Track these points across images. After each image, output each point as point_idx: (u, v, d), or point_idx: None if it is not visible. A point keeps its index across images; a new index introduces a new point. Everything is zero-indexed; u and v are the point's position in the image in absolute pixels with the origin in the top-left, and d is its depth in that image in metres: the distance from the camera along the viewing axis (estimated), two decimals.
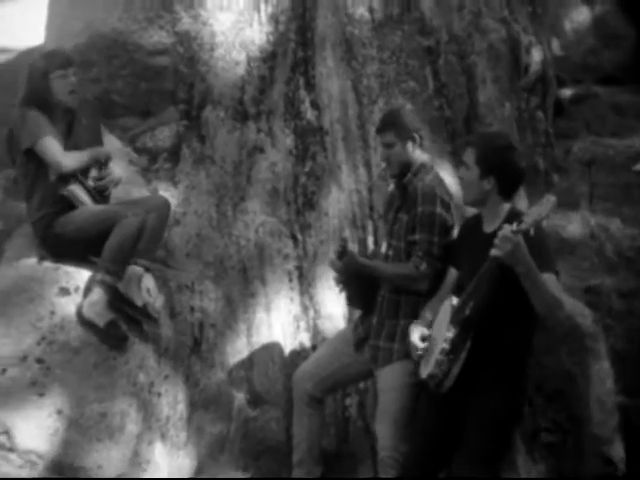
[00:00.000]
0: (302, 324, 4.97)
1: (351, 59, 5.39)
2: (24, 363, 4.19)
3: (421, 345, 3.76)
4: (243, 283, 4.99)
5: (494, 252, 3.41)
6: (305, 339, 4.95)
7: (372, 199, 5.11)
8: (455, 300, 3.67)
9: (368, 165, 5.18)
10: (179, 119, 5.37)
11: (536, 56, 5.81)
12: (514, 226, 3.37)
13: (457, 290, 3.83)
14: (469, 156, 3.74)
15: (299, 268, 5.07)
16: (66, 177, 4.48)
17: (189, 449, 4.51)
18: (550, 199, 3.38)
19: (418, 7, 5.59)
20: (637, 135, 6.71)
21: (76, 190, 4.50)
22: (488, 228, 3.76)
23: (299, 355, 4.88)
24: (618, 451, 4.14)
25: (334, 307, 4.96)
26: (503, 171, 3.68)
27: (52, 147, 4.43)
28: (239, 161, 5.25)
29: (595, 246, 4.73)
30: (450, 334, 3.59)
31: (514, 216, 3.61)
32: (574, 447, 4.11)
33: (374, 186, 5.11)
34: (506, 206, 3.75)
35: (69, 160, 4.45)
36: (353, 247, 4.93)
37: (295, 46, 5.41)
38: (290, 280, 5.03)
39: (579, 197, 5.30)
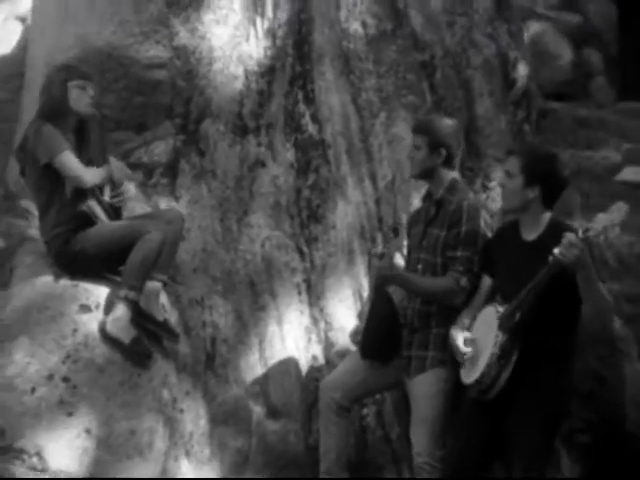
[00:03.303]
0: (313, 336, 5.00)
1: (349, 73, 5.46)
2: (51, 382, 4.12)
3: (466, 349, 3.83)
4: (252, 297, 5.00)
5: (559, 257, 3.48)
6: (317, 351, 4.98)
7: (380, 211, 5.17)
8: (500, 307, 3.75)
9: (374, 178, 5.25)
10: (175, 133, 5.34)
11: (521, 70, 6.00)
12: (580, 232, 3.46)
13: (491, 296, 3.94)
14: (513, 164, 3.83)
15: (307, 281, 5.10)
16: (83, 193, 4.43)
17: (214, 464, 4.49)
18: (621, 207, 3.45)
19: (409, 23, 5.70)
20: (608, 147, 6.98)
21: (94, 206, 4.46)
22: (529, 236, 3.86)
23: (313, 367, 4.91)
24: None
25: (346, 319, 5.01)
26: (548, 180, 3.79)
27: (72, 162, 4.38)
28: (241, 175, 5.25)
29: (596, 254, 4.89)
30: (499, 339, 3.68)
31: (556, 225, 3.73)
32: (607, 447, 4.26)
33: (381, 198, 5.18)
34: (547, 215, 3.85)
35: (90, 175, 4.41)
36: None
37: (293, 60, 5.45)
38: (299, 293, 5.06)
39: (572, 207, 5.48)
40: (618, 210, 3.46)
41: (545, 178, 3.78)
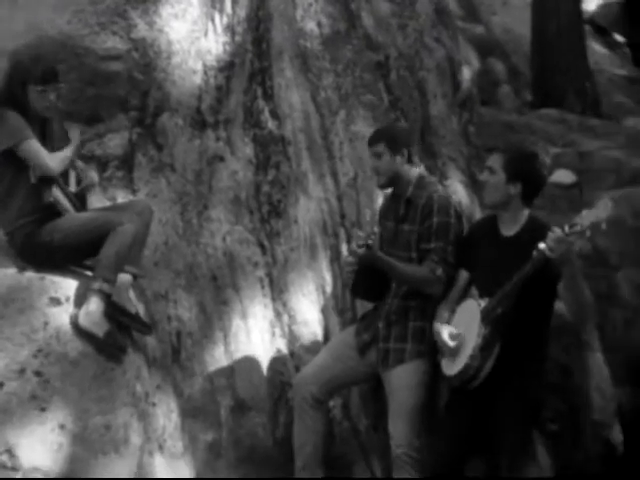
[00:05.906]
0: (277, 330, 5.01)
1: (307, 71, 5.51)
2: (22, 377, 4.00)
3: (452, 343, 3.91)
4: (215, 291, 4.97)
5: (546, 252, 3.59)
6: (282, 345, 4.99)
7: (342, 207, 5.23)
8: (482, 301, 3.86)
9: (335, 174, 5.30)
10: (131, 127, 5.26)
11: (466, 74, 6.19)
12: (566, 228, 3.58)
13: (465, 290, 4.05)
14: (495, 161, 3.96)
15: (269, 275, 5.11)
16: (48, 182, 4.32)
17: (187, 458, 4.44)
18: (607, 203, 3.56)
19: (362, 24, 5.80)
20: (539, 149, 7.26)
21: (60, 196, 4.35)
22: (507, 232, 3.99)
23: (278, 361, 4.92)
24: (617, 434, 4.53)
25: (309, 313, 5.04)
26: (530, 177, 3.93)
27: (37, 149, 4.28)
28: (200, 169, 5.22)
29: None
30: (482, 331, 3.78)
31: (534, 221, 3.88)
32: (575, 434, 4.44)
33: (344, 195, 5.24)
34: (526, 212, 3.99)
35: (55, 162, 4.30)
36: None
37: (252, 57, 5.45)
38: (262, 287, 5.06)
39: None
40: (604, 206, 3.56)
41: (527, 175, 3.93)
